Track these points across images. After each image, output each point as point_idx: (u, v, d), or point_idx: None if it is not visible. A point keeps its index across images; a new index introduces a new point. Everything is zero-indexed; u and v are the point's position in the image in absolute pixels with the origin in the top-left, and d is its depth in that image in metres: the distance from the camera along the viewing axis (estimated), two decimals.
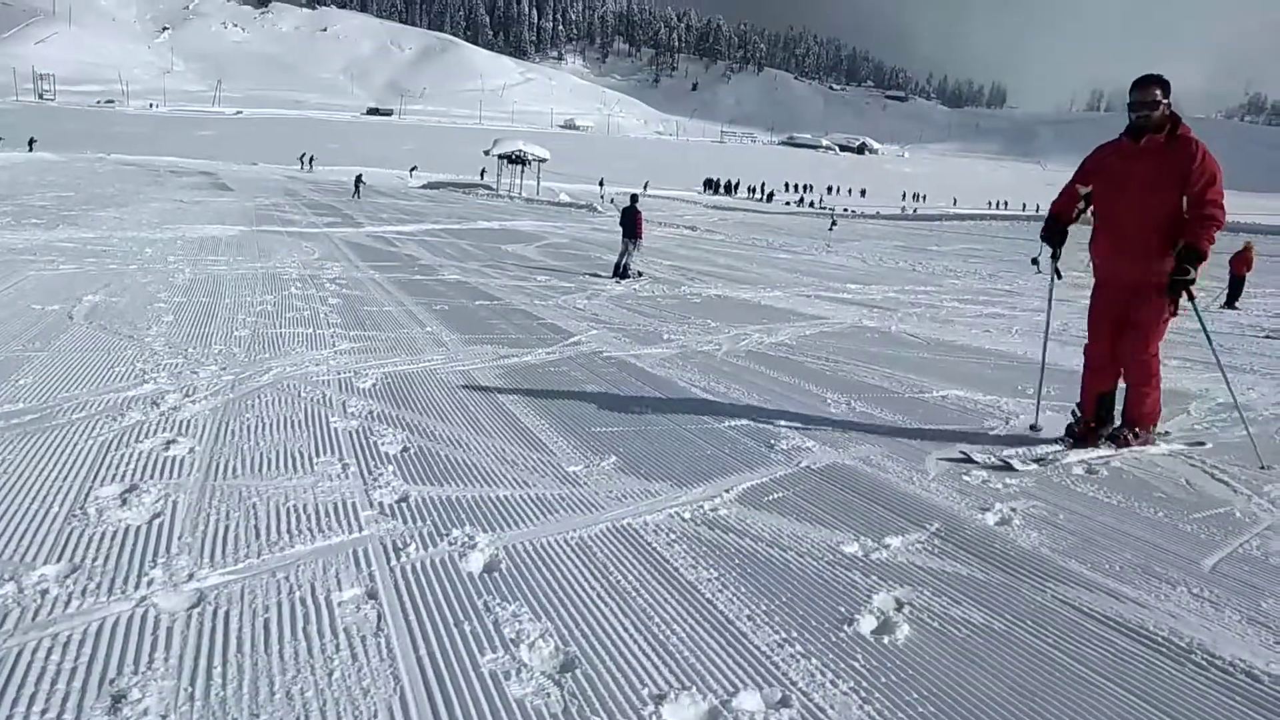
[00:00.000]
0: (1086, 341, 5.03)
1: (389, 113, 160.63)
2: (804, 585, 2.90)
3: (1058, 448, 4.72)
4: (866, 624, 2.65)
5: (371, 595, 2.69)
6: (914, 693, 2.29)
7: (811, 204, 78.35)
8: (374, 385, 5.56)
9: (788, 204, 77.56)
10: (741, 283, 14.16)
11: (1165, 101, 4.57)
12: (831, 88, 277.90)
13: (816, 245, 28.31)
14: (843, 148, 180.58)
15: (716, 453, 4.42)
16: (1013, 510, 3.71)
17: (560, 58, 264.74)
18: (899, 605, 2.78)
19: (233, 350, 6.37)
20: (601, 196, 52.02)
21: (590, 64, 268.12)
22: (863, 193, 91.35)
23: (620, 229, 14.81)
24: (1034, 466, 4.34)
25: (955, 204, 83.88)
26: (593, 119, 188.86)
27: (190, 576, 2.75)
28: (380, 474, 3.83)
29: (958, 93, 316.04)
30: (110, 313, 7.60)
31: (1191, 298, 4.58)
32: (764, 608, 2.72)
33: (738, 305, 11.09)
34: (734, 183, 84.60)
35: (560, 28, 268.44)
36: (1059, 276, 5.32)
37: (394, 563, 2.93)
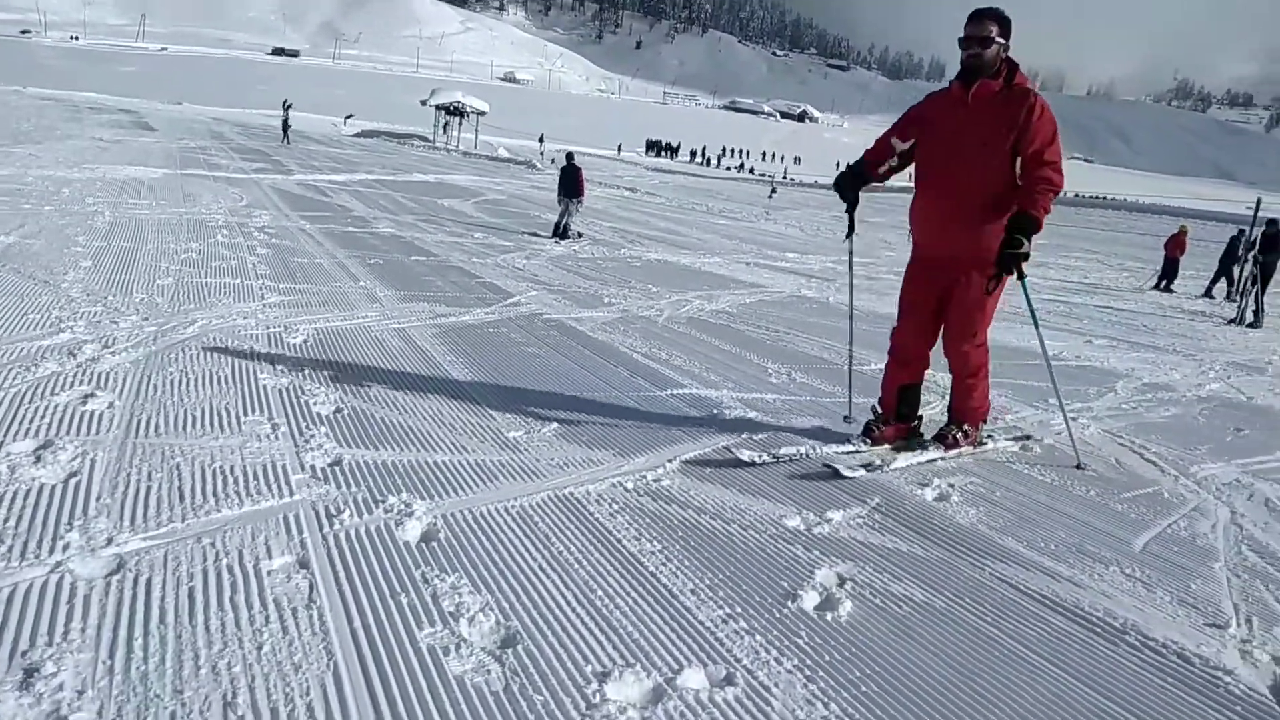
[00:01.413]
0: (895, 325, 4.37)
1: (295, 54, 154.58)
2: (747, 559, 2.88)
3: (860, 448, 4.17)
4: (810, 600, 2.65)
5: (303, 564, 2.59)
6: (856, 671, 2.29)
7: (752, 170, 78.47)
8: (305, 341, 5.37)
9: (728, 169, 77.58)
10: (682, 248, 14.10)
11: (1001, 41, 3.86)
12: (775, 53, 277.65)
13: (756, 212, 28.35)
14: (784, 114, 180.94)
15: (659, 421, 4.38)
16: (951, 486, 3.75)
17: (502, 8, 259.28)
18: (841, 581, 2.78)
19: (155, 300, 6.10)
20: (541, 153, 51.29)
21: (533, 16, 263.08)
22: (796, 160, 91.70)
23: (559, 188, 14.60)
24: (861, 474, 3.80)
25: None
26: (534, 73, 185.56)
27: (109, 541, 2.61)
28: (312, 435, 3.70)
29: (898, 65, 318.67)
30: (24, 256, 7.21)
31: (1022, 275, 3.91)
32: (708, 582, 2.69)
33: (679, 270, 11.04)
34: (675, 145, 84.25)
35: None
36: (851, 232, 4.67)
37: (327, 530, 2.83)
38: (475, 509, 3.08)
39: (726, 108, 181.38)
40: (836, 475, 3.73)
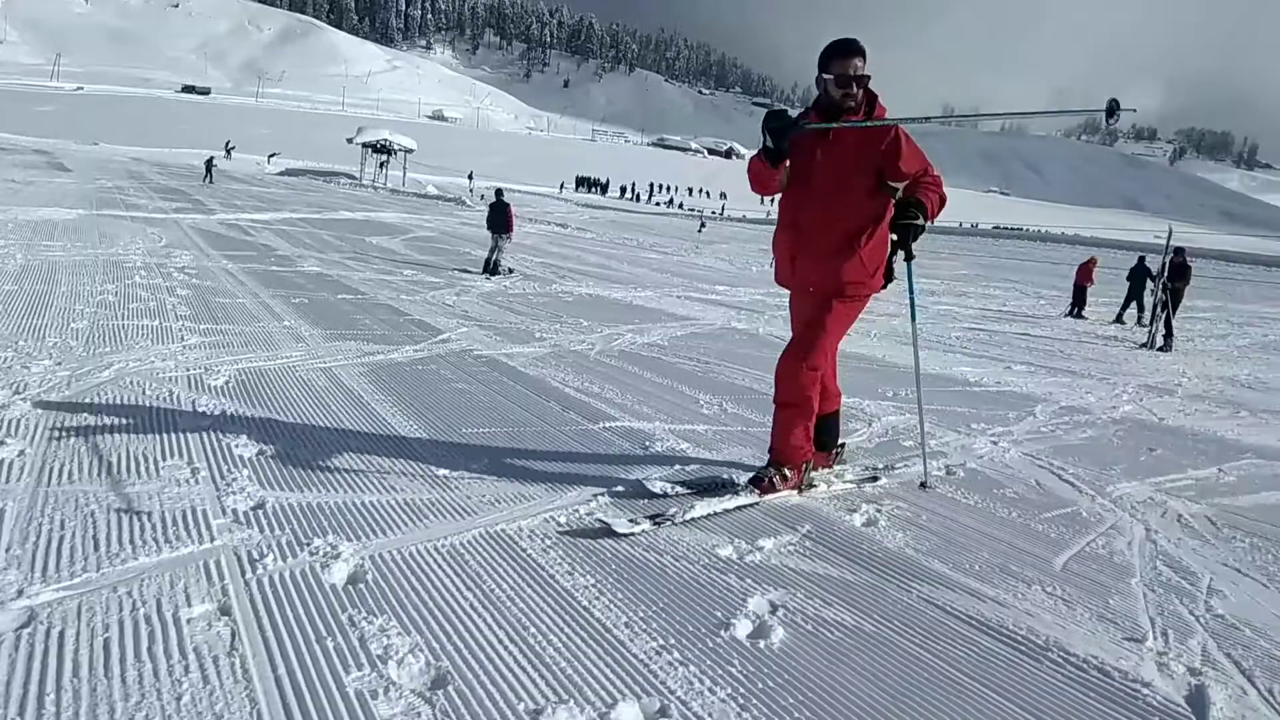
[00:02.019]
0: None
1: (205, 91, 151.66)
2: (680, 590, 2.88)
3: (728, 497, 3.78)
4: (742, 628, 2.65)
5: (224, 611, 2.51)
6: (789, 697, 2.30)
7: (681, 205, 79.37)
8: (227, 383, 5.24)
9: (658, 205, 78.39)
10: (613, 282, 14.18)
11: (868, 75, 3.72)
12: (701, 92, 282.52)
13: (686, 246, 28.67)
14: (711, 151, 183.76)
15: (592, 455, 4.37)
16: (878, 511, 3.81)
17: (429, 47, 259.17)
18: (773, 608, 2.80)
19: (69, 343, 5.89)
20: (471, 190, 51.17)
21: (460, 55, 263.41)
22: (723, 195, 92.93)
23: (488, 224, 14.59)
24: (644, 527, 3.37)
25: None
26: (462, 111, 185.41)
27: (20, 593, 2.50)
28: (234, 478, 3.60)
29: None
30: None
31: (910, 255, 3.81)
32: (641, 614, 2.68)
33: (610, 304, 11.09)
34: (605, 182, 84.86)
35: (429, 16, 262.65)
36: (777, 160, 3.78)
37: (249, 575, 2.75)
38: (404, 549, 3.03)
39: (654, 145, 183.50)
40: (612, 533, 3.29)
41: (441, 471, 3.91)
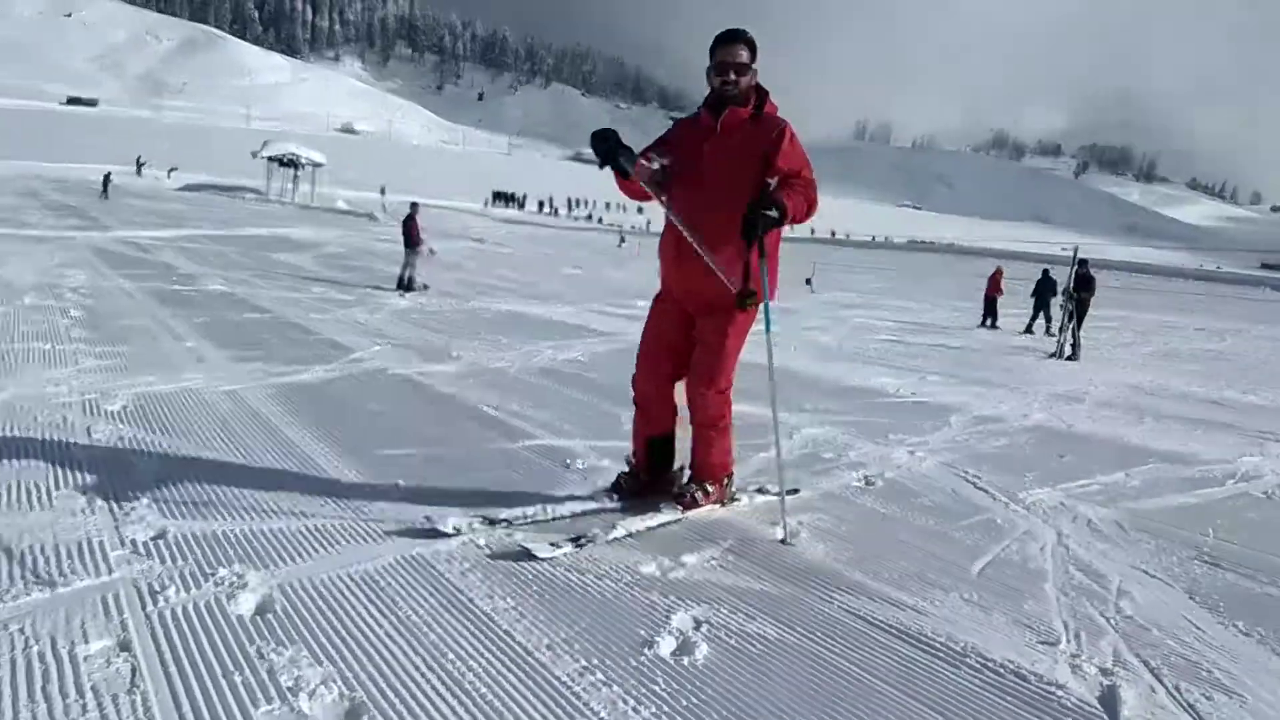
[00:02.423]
0: (635, 372, 3.97)
1: (92, 103, 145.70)
2: (603, 609, 2.83)
3: (602, 506, 3.81)
4: (666, 645, 2.62)
5: (124, 646, 2.37)
6: (714, 713, 2.27)
7: (600, 220, 79.52)
8: (124, 408, 5.00)
9: (576, 219, 78.40)
10: (533, 297, 14.08)
11: (754, 68, 3.60)
12: (618, 105, 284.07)
13: (606, 261, 28.71)
14: None
15: (510, 474, 4.29)
16: (800, 524, 3.82)
17: (337, 58, 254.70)
18: (697, 624, 2.77)
19: None
20: (383, 205, 50.34)
21: (370, 67, 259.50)
22: (640, 209, 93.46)
23: (403, 239, 14.37)
24: (566, 549, 3.28)
25: None
26: (373, 124, 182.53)
27: None
28: (133, 508, 3.41)
29: None
30: None
31: (764, 252, 3.51)
32: (564, 636, 2.62)
33: (530, 320, 11.00)
34: (522, 196, 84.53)
35: (337, 27, 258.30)
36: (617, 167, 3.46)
37: (150, 608, 2.60)
38: (315, 577, 2.91)
39: (572, 158, 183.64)
40: (530, 555, 3.19)
41: (354, 496, 3.79)
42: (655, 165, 3.65)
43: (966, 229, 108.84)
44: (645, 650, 2.58)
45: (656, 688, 2.37)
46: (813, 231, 72.60)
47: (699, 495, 3.83)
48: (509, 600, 2.84)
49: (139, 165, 34.12)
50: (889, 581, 3.26)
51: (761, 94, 3.65)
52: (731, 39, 3.58)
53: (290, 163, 50.12)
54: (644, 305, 12.73)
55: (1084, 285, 15.00)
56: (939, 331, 15.54)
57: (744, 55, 3.57)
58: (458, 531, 3.36)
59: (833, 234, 73.09)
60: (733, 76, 3.55)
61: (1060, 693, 2.50)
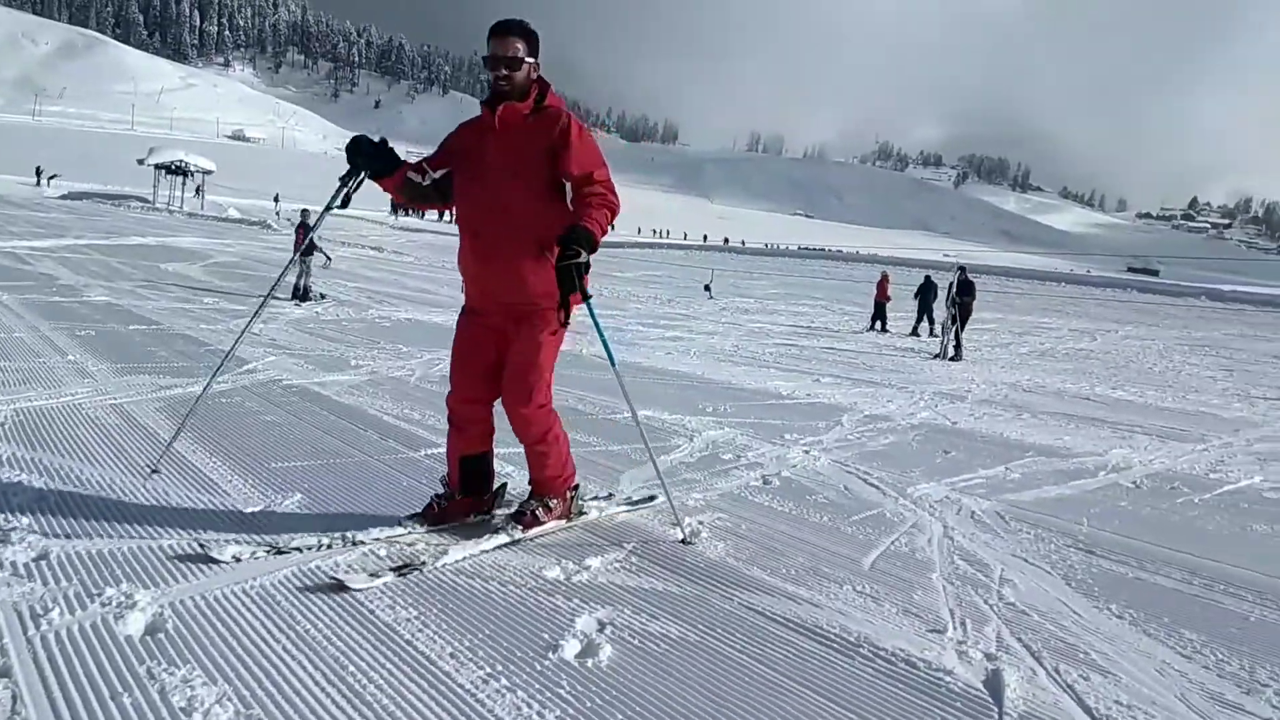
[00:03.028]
0: (449, 389, 3.69)
1: None
2: (507, 615, 2.84)
3: (406, 532, 3.53)
4: (570, 649, 2.65)
5: (3, 673, 2.26)
6: (618, 713, 2.31)
7: None
8: (2, 424, 4.75)
9: None
10: (435, 306, 13.90)
11: (531, 61, 3.36)
12: None
13: None
14: None
15: (413, 483, 4.26)
16: (701, 524, 3.91)
17: (227, 64, 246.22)
18: (601, 626, 2.81)
19: None
20: (277, 213, 48.84)
21: (262, 73, 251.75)
22: None
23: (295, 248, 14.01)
24: (387, 579, 3.06)
25: (641, 233, 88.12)
26: (266, 131, 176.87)
27: None
28: (12, 528, 3.25)
29: (634, 128, 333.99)
30: None
31: (587, 296, 3.34)
32: (467, 643, 2.63)
33: (431, 329, 10.86)
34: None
35: (227, 33, 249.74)
36: (343, 205, 3.66)
37: (32, 632, 2.49)
38: (208, 594, 2.83)
39: None
40: (342, 587, 2.96)
41: (250, 509, 3.70)
42: (426, 181, 3.52)
43: (854, 237, 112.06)
44: (549, 654, 2.60)
45: (561, 691, 2.40)
46: (705, 238, 73.89)
47: (539, 512, 3.64)
48: (411, 610, 2.83)
49: (42, 177, 31.95)
50: (786, 577, 3.36)
51: (544, 87, 3.43)
52: (503, 31, 3.32)
53: (179, 170, 48.08)
54: None
55: (965, 290, 15.67)
56: (831, 335, 15.99)
57: (518, 48, 3.31)
58: (237, 560, 3.09)
59: (726, 240, 74.62)
60: (504, 71, 3.29)
61: (948, 678, 2.63)
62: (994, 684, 2.62)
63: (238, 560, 3.10)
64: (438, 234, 54.74)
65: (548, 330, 3.50)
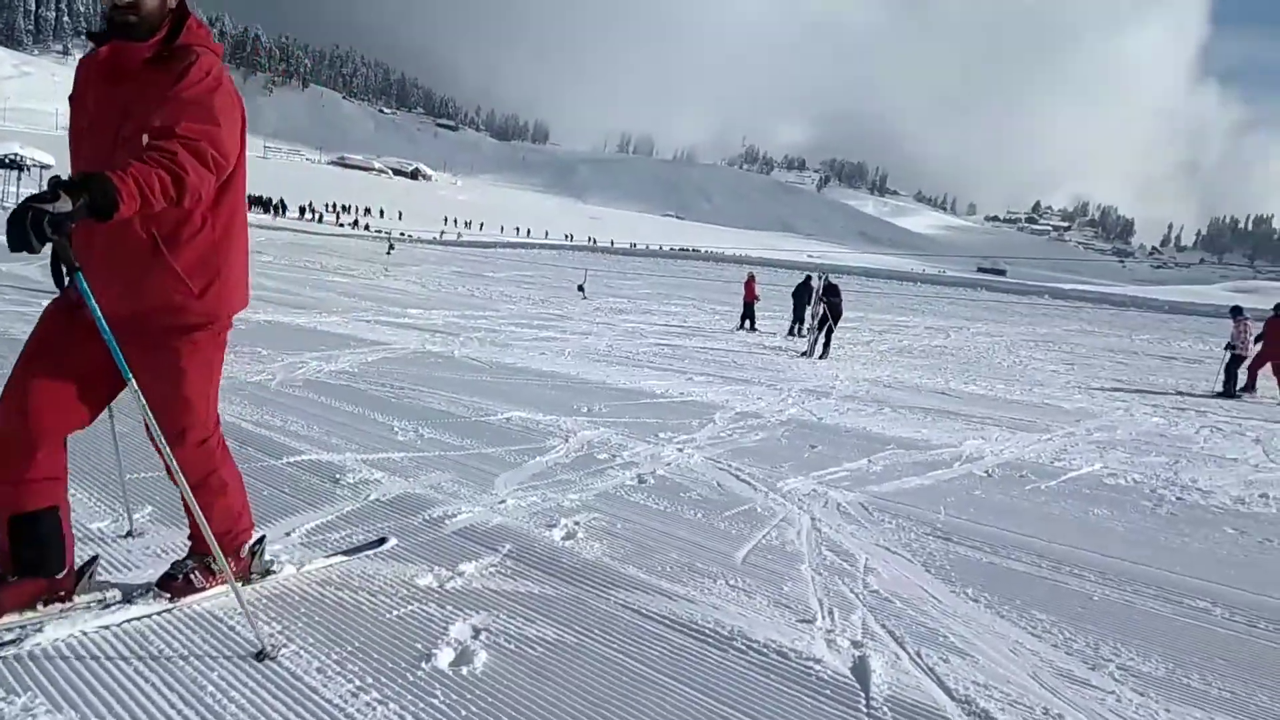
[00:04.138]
0: None
1: None
2: (378, 626, 2.76)
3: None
4: (445, 657, 2.59)
5: None
6: None
7: (367, 226, 76.78)
8: None
9: (342, 226, 75.32)
10: (295, 307, 13.40)
11: None
12: (382, 111, 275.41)
13: (375, 269, 27.77)
14: (397, 171, 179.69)
15: (275, 493, 4.08)
16: (577, 525, 3.90)
17: (66, 52, 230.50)
18: (475, 633, 2.76)
19: None
20: None
21: None
22: (399, 215, 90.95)
23: None
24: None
25: (518, 233, 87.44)
26: None
27: None
28: None
29: (505, 127, 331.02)
30: None
31: (72, 265, 2.29)
32: (335, 657, 2.53)
33: (292, 331, 10.46)
34: (280, 202, 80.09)
35: (65, 19, 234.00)
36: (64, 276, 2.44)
37: None
38: (49, 616, 2.63)
39: (335, 163, 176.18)
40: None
41: (94, 525, 3.47)
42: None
43: (723, 238, 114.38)
44: (423, 664, 2.54)
45: (435, 701, 2.35)
46: (570, 237, 73.98)
47: (197, 575, 2.81)
48: (273, 625, 2.71)
49: None
50: (661, 574, 3.39)
51: (181, 16, 2.50)
52: None
53: (12, 164, 44.73)
54: (417, 313, 12.41)
55: (831, 292, 16.21)
56: (703, 334, 16.25)
57: None
58: (88, 577, 2.67)
59: (592, 241, 75.13)
60: (127, 16, 2.39)
61: (818, 667, 2.71)
62: (860, 670, 2.71)
63: (88, 578, 2.83)
64: (298, 232, 52.86)
65: (187, 353, 2.62)
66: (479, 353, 9.84)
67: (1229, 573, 4.04)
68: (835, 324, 15.14)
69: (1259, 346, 13.09)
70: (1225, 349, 13.09)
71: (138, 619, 2.66)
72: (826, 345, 14.53)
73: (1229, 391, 12.56)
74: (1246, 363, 12.99)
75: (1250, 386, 13.03)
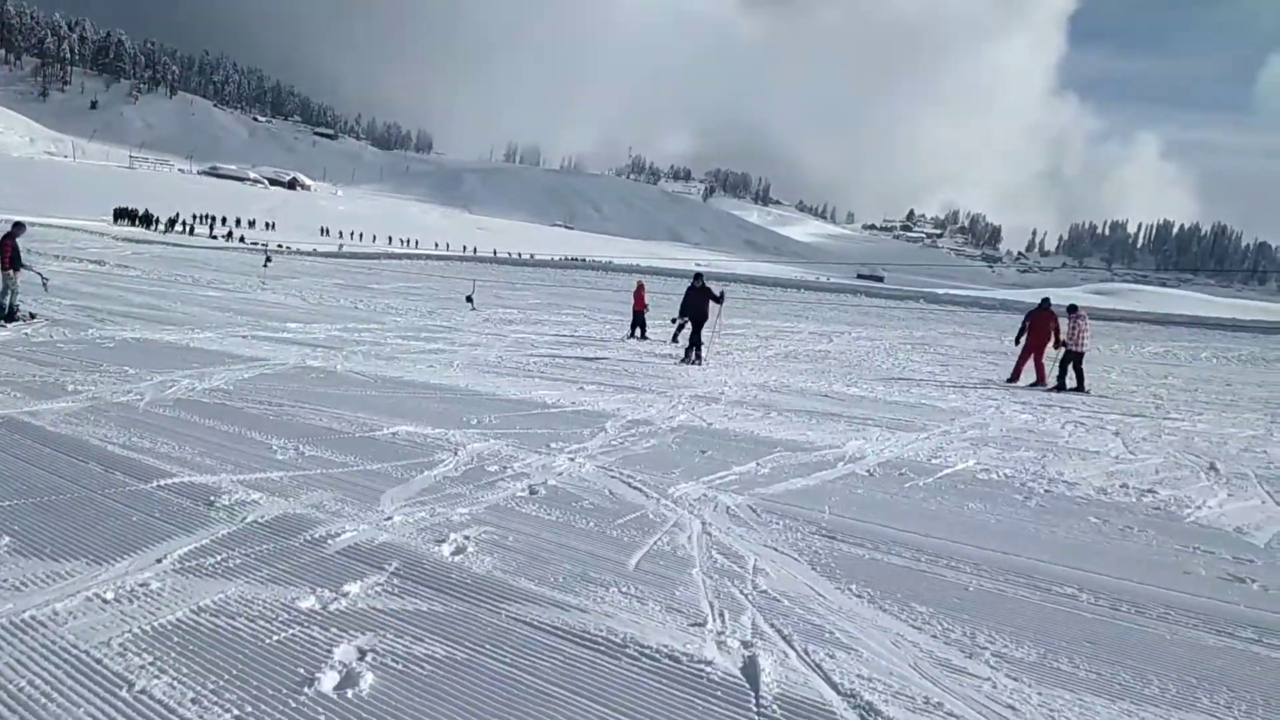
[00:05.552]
0: None
1: None
2: (257, 652, 2.66)
3: None
4: (329, 680, 2.52)
5: None
6: None
7: (242, 239, 74.01)
8: None
9: (215, 238, 72.40)
10: (165, 324, 12.78)
11: None
12: (256, 119, 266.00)
13: (251, 282, 26.76)
14: (273, 181, 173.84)
15: (145, 518, 3.88)
16: (467, 539, 3.84)
17: None
18: (361, 654, 2.69)
19: None
20: None
21: None
22: (269, 226, 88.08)
23: None
24: None
25: (410, 244, 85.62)
26: None
27: None
28: None
29: (387, 136, 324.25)
30: None
31: None
32: (211, 686, 2.43)
33: (162, 349, 9.97)
34: (151, 214, 76.46)
35: None
36: None
37: None
38: None
39: (207, 173, 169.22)
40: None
41: None
42: None
43: (612, 247, 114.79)
44: (305, 689, 2.46)
45: None
46: (464, 248, 73.12)
47: None
48: (145, 656, 2.58)
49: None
50: (554, 585, 3.37)
51: None
52: None
53: None
54: (297, 328, 12.05)
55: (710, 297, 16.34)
56: (594, 343, 16.25)
57: None
58: None
59: (474, 251, 74.38)
60: None
61: (709, 669, 2.74)
62: (750, 670, 2.76)
63: None
64: (168, 245, 50.58)
65: None
66: (364, 367, 9.59)
67: (1093, 560, 4.28)
68: (699, 326, 14.82)
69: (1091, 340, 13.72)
70: (1056, 346, 13.70)
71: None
72: (698, 350, 14.32)
73: (1061, 385, 13.20)
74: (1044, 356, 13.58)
75: (1014, 377, 13.71)
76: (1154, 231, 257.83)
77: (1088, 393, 12.77)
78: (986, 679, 2.84)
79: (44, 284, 12.84)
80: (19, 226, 13.26)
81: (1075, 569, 4.08)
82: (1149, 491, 5.85)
